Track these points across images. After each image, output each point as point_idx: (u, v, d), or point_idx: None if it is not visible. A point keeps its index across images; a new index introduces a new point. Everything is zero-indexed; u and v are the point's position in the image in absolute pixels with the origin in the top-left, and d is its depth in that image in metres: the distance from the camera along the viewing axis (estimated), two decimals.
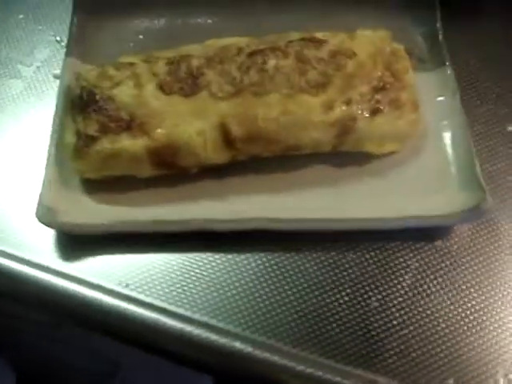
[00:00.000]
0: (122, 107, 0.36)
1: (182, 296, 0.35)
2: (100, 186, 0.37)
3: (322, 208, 0.36)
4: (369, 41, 0.39)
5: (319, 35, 0.39)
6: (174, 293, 0.35)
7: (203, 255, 0.36)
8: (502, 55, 0.45)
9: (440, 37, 0.43)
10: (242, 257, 0.36)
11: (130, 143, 0.35)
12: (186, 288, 0.35)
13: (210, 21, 0.45)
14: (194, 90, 0.36)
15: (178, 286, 0.35)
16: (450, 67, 0.41)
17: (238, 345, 0.33)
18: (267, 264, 0.36)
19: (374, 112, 0.36)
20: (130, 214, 0.36)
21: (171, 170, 0.36)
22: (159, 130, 0.35)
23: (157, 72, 0.37)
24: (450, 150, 0.38)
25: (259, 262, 0.36)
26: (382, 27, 0.41)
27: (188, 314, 0.34)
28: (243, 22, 0.42)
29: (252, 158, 0.37)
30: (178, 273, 0.36)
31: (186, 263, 0.36)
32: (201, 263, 0.36)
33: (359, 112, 0.36)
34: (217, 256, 0.36)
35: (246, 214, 0.35)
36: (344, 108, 0.36)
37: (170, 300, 0.34)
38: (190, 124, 0.35)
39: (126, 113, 0.36)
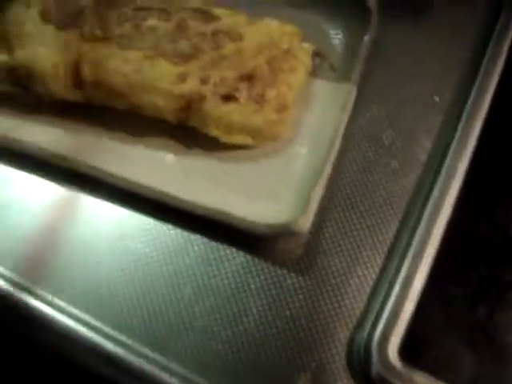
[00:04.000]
0: (2, 21, 0.42)
1: None
2: None
3: (147, 175, 0.40)
4: (266, 31, 0.43)
5: (217, 11, 0.44)
6: None
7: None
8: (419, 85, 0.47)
9: (360, 54, 0.46)
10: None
11: None
12: None
13: None
14: (67, 25, 0.42)
15: None
16: (354, 86, 0.44)
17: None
18: None
19: (228, 98, 0.40)
20: None
21: (28, 92, 0.42)
22: (21, 52, 0.41)
23: None
24: (305, 163, 0.42)
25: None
26: (309, 24, 0.45)
27: None
28: None
29: (104, 107, 0.42)
30: None
31: None
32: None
33: (210, 93, 0.40)
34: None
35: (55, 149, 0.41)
36: (196, 85, 0.40)
37: None
38: (49, 55, 0.41)
39: (2, 27, 0.42)
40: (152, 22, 0.42)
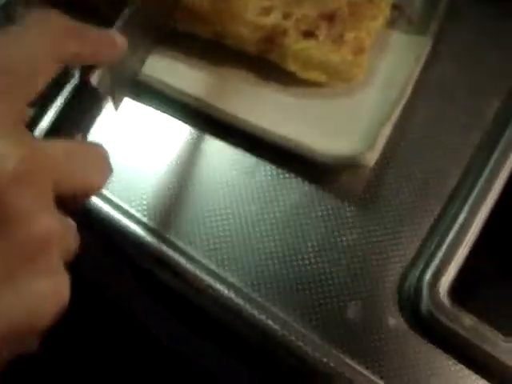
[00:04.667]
0: None
1: None
2: None
3: (225, 102, 0.43)
4: None
5: None
6: None
7: None
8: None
9: (438, 10, 0.47)
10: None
11: None
12: None
13: None
14: None
15: None
16: (430, 40, 0.46)
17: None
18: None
19: (308, 34, 0.43)
20: None
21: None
22: None
23: None
24: (376, 104, 0.44)
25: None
26: None
27: None
28: None
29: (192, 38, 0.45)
30: None
31: None
32: None
33: (292, 28, 0.43)
34: None
35: (153, 74, 0.44)
36: (279, 19, 0.43)
37: None
38: None
39: None
40: None
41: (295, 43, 0.42)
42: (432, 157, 0.44)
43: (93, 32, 0.28)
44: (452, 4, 0.48)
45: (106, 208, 0.42)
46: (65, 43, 0.26)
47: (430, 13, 0.47)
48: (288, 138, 0.41)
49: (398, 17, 0.48)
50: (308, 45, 0.42)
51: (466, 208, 0.41)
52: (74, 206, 0.25)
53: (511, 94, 0.46)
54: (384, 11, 0.46)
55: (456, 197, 0.42)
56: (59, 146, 0.24)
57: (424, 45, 0.46)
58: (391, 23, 0.47)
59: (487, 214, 0.41)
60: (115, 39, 0.31)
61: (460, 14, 0.50)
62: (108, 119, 0.43)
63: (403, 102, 0.42)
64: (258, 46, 0.43)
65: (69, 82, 0.29)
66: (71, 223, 0.25)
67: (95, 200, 0.42)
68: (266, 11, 0.43)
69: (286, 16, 0.43)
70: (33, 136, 0.25)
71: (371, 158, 0.40)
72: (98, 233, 0.42)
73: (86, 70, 0.29)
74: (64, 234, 0.24)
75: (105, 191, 0.42)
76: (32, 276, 0.22)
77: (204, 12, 0.43)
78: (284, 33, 0.42)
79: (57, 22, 0.26)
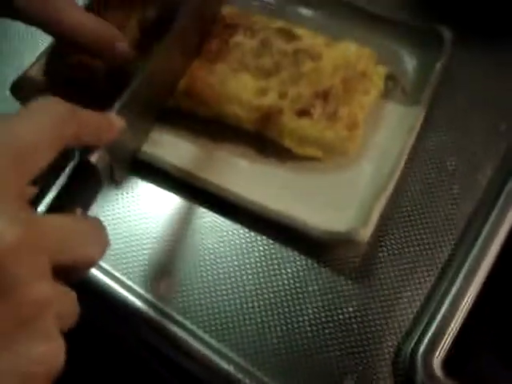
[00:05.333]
0: None
1: None
2: None
3: (223, 178, 0.45)
4: (344, 53, 0.47)
5: (299, 31, 0.48)
6: None
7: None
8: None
9: (432, 80, 0.49)
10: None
11: None
12: None
13: None
14: None
15: None
16: (423, 109, 0.48)
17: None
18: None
19: (303, 113, 0.45)
20: None
21: None
22: None
23: None
24: (370, 179, 0.45)
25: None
26: (385, 48, 0.50)
27: None
28: None
29: (193, 116, 0.47)
30: None
31: None
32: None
33: (287, 108, 0.45)
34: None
35: (154, 152, 0.46)
36: (275, 99, 0.45)
37: None
38: None
39: None
40: (238, 38, 0.47)
41: (291, 122, 0.44)
42: (425, 228, 0.45)
43: (92, 116, 0.31)
44: (445, 69, 0.49)
45: (106, 280, 0.44)
46: (65, 127, 0.28)
47: (424, 82, 0.49)
48: (282, 213, 0.43)
49: (392, 87, 0.49)
50: (303, 123, 0.44)
51: (460, 279, 0.43)
52: (75, 276, 0.27)
53: (504, 161, 0.48)
54: (377, 85, 0.47)
55: (449, 268, 0.44)
56: (57, 221, 0.26)
57: (418, 115, 0.47)
58: (386, 94, 0.49)
59: (481, 285, 0.42)
60: (113, 122, 0.33)
61: (453, 78, 0.51)
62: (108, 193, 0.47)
63: (397, 176, 0.44)
64: (255, 125, 0.45)
65: (70, 161, 0.31)
66: (71, 292, 0.27)
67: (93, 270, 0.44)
68: (262, 92, 0.45)
69: (281, 96, 0.45)
70: (32, 212, 0.27)
71: (365, 233, 0.41)
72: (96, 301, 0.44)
73: (86, 150, 0.32)
74: (60, 301, 0.26)
75: (105, 264, 0.45)
76: (26, 340, 0.24)
77: (203, 95, 0.45)
78: (280, 112, 0.44)
79: (58, 107, 0.28)
